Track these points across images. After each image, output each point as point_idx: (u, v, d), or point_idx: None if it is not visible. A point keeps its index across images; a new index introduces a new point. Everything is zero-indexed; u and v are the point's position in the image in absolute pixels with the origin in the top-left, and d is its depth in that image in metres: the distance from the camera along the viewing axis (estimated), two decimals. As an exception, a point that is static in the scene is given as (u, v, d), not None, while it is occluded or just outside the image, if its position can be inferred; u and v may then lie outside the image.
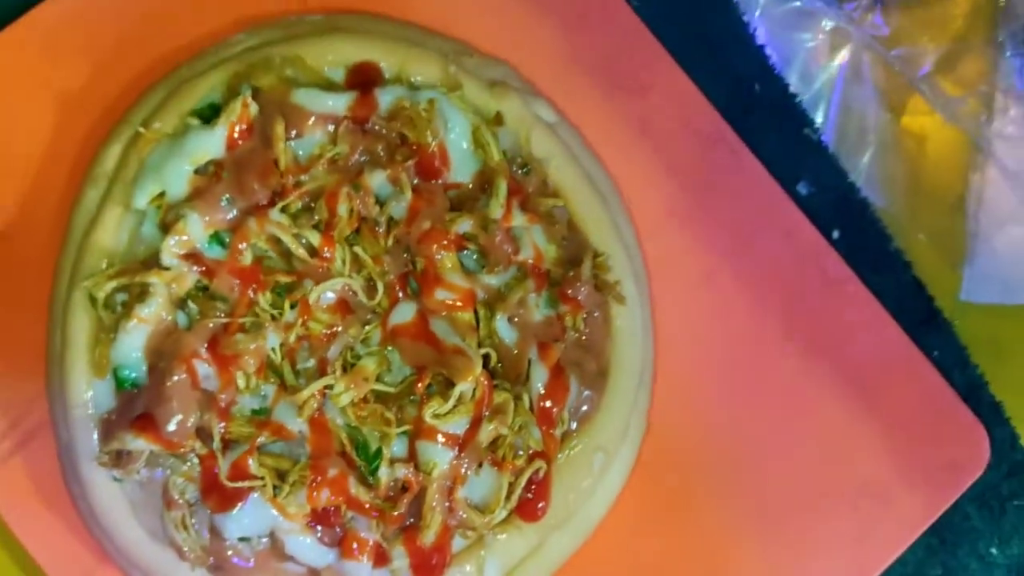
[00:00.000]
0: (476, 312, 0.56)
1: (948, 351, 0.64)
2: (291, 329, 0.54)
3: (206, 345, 0.54)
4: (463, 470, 0.54)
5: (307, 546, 0.53)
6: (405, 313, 0.56)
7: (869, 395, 0.60)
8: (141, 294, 0.53)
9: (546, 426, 0.55)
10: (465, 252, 0.57)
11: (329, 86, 0.57)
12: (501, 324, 0.56)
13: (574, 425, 0.57)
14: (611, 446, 0.57)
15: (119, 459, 0.52)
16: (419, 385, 0.54)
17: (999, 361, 0.64)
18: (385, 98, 0.57)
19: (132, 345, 0.53)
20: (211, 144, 0.55)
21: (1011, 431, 0.64)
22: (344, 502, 0.53)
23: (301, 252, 0.55)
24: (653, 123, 0.62)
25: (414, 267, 0.56)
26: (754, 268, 0.61)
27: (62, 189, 0.58)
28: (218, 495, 0.53)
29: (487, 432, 0.54)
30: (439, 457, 0.53)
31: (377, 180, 0.56)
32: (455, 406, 0.54)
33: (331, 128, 0.56)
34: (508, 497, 0.54)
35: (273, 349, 0.54)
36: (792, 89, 0.65)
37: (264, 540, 0.54)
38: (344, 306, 0.55)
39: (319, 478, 0.53)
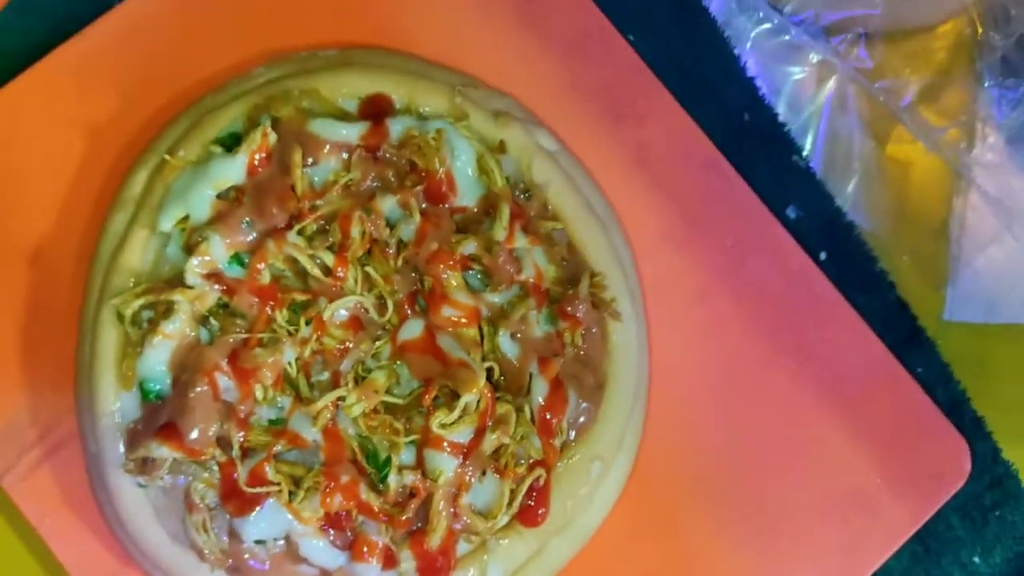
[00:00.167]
0: (480, 328, 0.57)
1: (932, 368, 0.64)
2: (306, 344, 0.56)
3: (227, 359, 0.55)
4: (467, 477, 0.55)
5: (320, 549, 0.54)
6: (413, 329, 0.57)
7: (855, 409, 0.61)
8: (166, 311, 0.55)
9: (546, 436, 0.56)
10: (470, 272, 0.58)
11: (343, 116, 0.59)
12: (504, 340, 0.57)
13: (573, 435, 0.58)
14: (608, 456, 0.58)
15: (144, 466, 0.54)
16: (426, 397, 0.55)
17: (981, 378, 0.65)
18: (396, 127, 0.58)
19: (157, 359, 0.55)
20: (232, 171, 0.56)
21: (993, 445, 0.64)
22: (355, 507, 0.54)
23: (316, 272, 0.56)
24: (649, 151, 0.62)
25: (422, 286, 0.57)
26: (745, 288, 0.62)
27: (91, 213, 0.59)
28: (237, 500, 0.54)
29: (490, 441, 0.55)
30: (445, 465, 0.55)
31: (388, 204, 0.57)
32: (460, 417, 0.55)
33: (345, 156, 0.58)
34: (510, 503, 0.55)
35: (289, 363, 0.56)
36: (781, 119, 0.66)
37: (279, 543, 0.55)
38: (356, 323, 0.57)
39: (332, 484, 0.54)
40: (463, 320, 0.57)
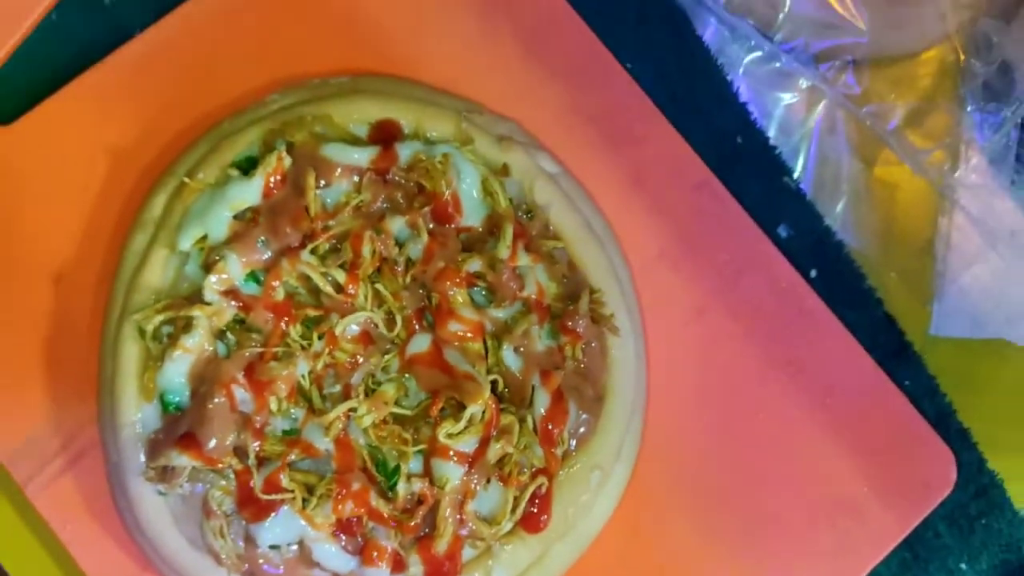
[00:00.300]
0: (485, 342, 0.58)
1: (919, 381, 0.65)
2: (319, 358, 0.56)
3: (243, 372, 0.56)
4: (473, 485, 0.56)
5: (332, 553, 0.55)
6: (421, 343, 0.57)
7: (845, 421, 0.62)
8: (185, 326, 0.56)
9: (548, 446, 0.57)
10: (475, 289, 0.59)
11: (354, 141, 0.59)
12: (507, 353, 0.58)
13: (573, 445, 0.58)
14: (607, 465, 0.58)
15: (164, 474, 0.55)
16: (433, 408, 0.56)
17: (966, 391, 0.66)
18: (404, 152, 0.59)
19: (177, 372, 0.56)
20: (249, 193, 0.57)
21: (978, 456, 0.65)
22: (366, 513, 0.55)
23: (328, 289, 0.57)
24: (645, 173, 0.63)
25: (429, 302, 0.58)
26: (739, 304, 0.63)
27: (112, 234, 0.60)
28: (253, 507, 0.55)
29: (495, 451, 0.56)
30: (451, 473, 0.55)
31: (397, 225, 0.58)
32: (466, 427, 0.55)
33: (356, 178, 0.58)
34: (513, 510, 0.56)
35: (303, 376, 0.57)
36: (772, 142, 0.66)
37: (293, 548, 0.55)
38: (366, 337, 0.57)
39: (343, 492, 0.55)
40: (468, 335, 0.57)
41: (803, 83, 0.68)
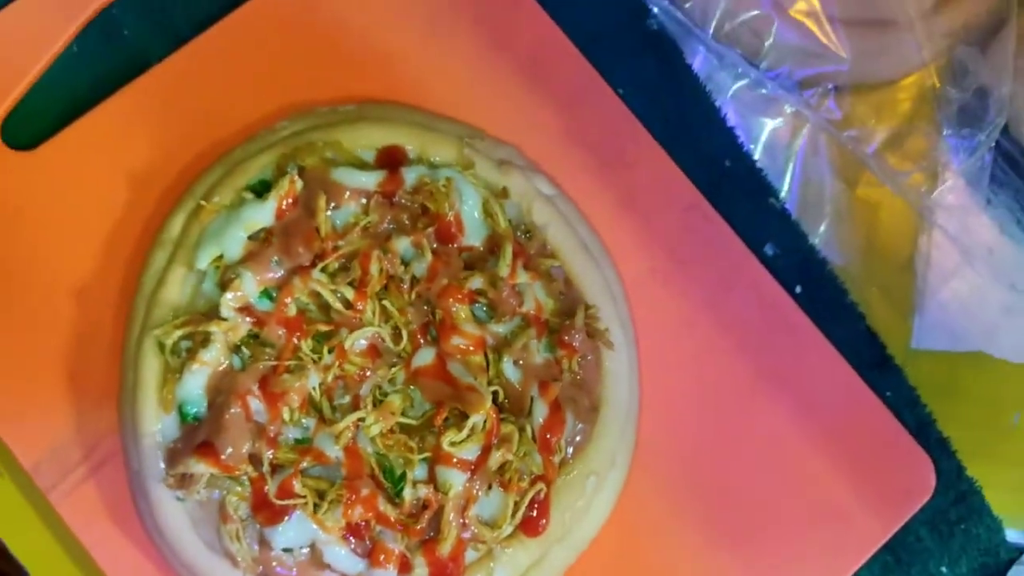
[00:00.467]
0: (486, 355, 0.58)
1: (900, 392, 0.65)
2: (329, 370, 0.57)
3: (257, 384, 0.56)
4: (475, 491, 0.56)
5: (342, 556, 0.56)
6: (426, 357, 0.58)
7: (829, 430, 0.62)
8: (203, 341, 0.56)
9: (546, 453, 0.57)
10: (477, 305, 0.59)
11: (362, 165, 0.60)
12: (507, 366, 0.58)
13: (570, 452, 0.58)
14: (602, 471, 0.59)
15: (183, 481, 0.55)
16: (438, 418, 0.56)
17: (946, 401, 0.66)
18: (409, 175, 0.59)
19: (195, 384, 0.56)
20: (263, 214, 0.58)
21: (957, 463, 0.65)
22: (374, 517, 0.55)
23: (338, 305, 0.57)
24: (638, 194, 0.64)
25: (433, 318, 0.58)
26: (727, 319, 0.63)
27: (133, 253, 0.60)
28: (267, 511, 0.55)
29: (496, 458, 0.56)
30: (455, 480, 0.56)
31: (403, 244, 0.59)
32: (468, 436, 0.56)
33: (364, 201, 0.59)
34: (513, 515, 0.56)
35: (314, 388, 0.57)
36: (759, 164, 0.67)
37: (305, 551, 0.56)
38: (374, 351, 0.58)
39: (353, 497, 0.55)
40: (471, 348, 0.58)
41: (788, 108, 0.69)
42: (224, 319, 0.57)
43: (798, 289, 0.66)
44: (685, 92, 0.67)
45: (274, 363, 0.57)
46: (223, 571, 0.56)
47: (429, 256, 0.59)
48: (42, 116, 0.62)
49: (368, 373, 0.58)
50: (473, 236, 0.60)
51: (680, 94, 0.67)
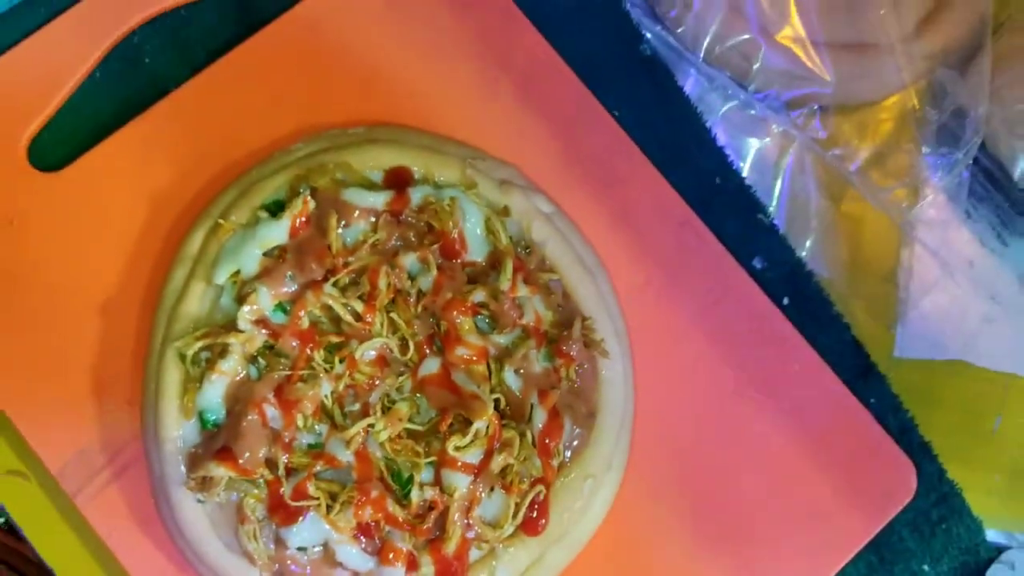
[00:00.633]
0: (488, 365, 0.58)
1: (883, 399, 0.66)
2: (340, 379, 0.57)
3: (273, 393, 0.57)
4: (478, 493, 0.57)
5: (353, 554, 0.56)
6: (431, 366, 0.59)
7: (815, 435, 0.63)
8: (221, 352, 0.57)
9: (545, 457, 0.58)
10: (479, 317, 0.60)
11: (371, 186, 0.60)
12: (509, 375, 0.59)
13: (568, 456, 0.59)
14: (599, 474, 0.59)
15: (203, 484, 0.56)
16: (443, 424, 0.57)
17: (927, 407, 0.67)
18: (415, 195, 0.60)
19: (214, 393, 0.57)
20: (277, 232, 0.58)
21: (939, 467, 0.66)
22: (383, 518, 0.56)
23: (349, 318, 0.58)
24: (632, 211, 0.64)
25: (439, 329, 0.59)
26: (717, 329, 0.63)
27: (153, 269, 0.61)
28: (282, 512, 0.56)
29: (498, 462, 0.57)
30: (459, 482, 0.56)
31: (409, 260, 0.59)
32: (472, 441, 0.56)
33: (373, 219, 0.60)
34: (515, 515, 0.57)
35: (326, 396, 0.57)
36: (748, 182, 0.68)
37: (318, 550, 0.56)
38: (383, 361, 0.59)
39: (363, 499, 0.56)
40: (474, 358, 0.58)
41: (775, 128, 0.70)
42: (241, 331, 0.57)
43: (786, 301, 0.66)
44: (677, 113, 0.68)
45: (288, 373, 0.57)
46: (241, 570, 0.57)
47: (434, 271, 0.59)
48: (67, 139, 0.63)
49: (377, 382, 0.59)
50: (476, 252, 0.61)
51: (672, 115, 0.68)
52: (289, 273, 0.58)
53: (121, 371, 0.60)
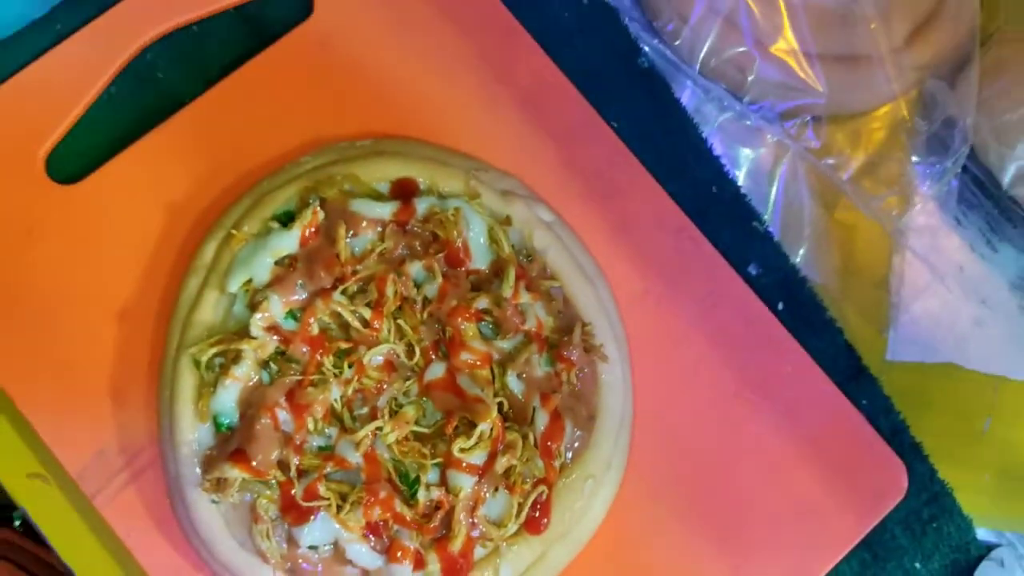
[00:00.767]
0: (492, 369, 0.59)
1: (875, 401, 0.67)
2: (349, 384, 0.58)
3: (284, 397, 0.57)
4: (483, 493, 0.57)
5: (362, 552, 0.57)
6: (437, 371, 0.59)
7: (808, 436, 0.64)
8: (235, 358, 0.58)
9: (547, 458, 0.58)
10: (483, 323, 0.60)
11: (378, 197, 0.61)
12: (511, 379, 0.59)
13: (569, 457, 0.60)
14: (599, 475, 0.60)
15: (218, 485, 0.56)
16: (448, 427, 0.58)
17: (919, 409, 0.68)
18: (421, 206, 0.61)
19: (228, 397, 0.58)
20: (288, 242, 0.59)
21: (930, 467, 0.67)
22: (391, 517, 0.57)
23: (357, 324, 0.58)
24: (630, 220, 0.65)
25: (444, 335, 0.60)
26: (714, 334, 0.64)
27: (168, 278, 0.62)
28: (294, 512, 0.57)
29: (501, 463, 0.57)
30: (464, 483, 0.57)
31: (415, 268, 0.60)
32: (476, 443, 0.57)
33: (380, 229, 0.60)
34: (518, 515, 0.58)
35: (336, 400, 0.58)
36: (743, 190, 0.68)
37: (328, 548, 0.57)
38: (390, 366, 0.59)
39: (372, 499, 0.56)
40: (478, 363, 0.59)
41: (770, 138, 0.71)
42: (254, 338, 0.58)
43: (780, 306, 0.67)
44: (674, 124, 0.68)
45: (299, 378, 0.58)
46: (255, 568, 0.57)
47: (439, 279, 0.60)
48: (84, 152, 0.63)
49: (385, 386, 0.59)
50: (479, 260, 0.61)
51: (670, 126, 0.68)
52: (299, 281, 0.59)
53: (138, 377, 0.61)
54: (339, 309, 0.59)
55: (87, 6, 0.64)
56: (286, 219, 0.61)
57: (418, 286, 0.61)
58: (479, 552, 0.58)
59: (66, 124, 0.63)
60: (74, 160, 0.63)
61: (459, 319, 0.60)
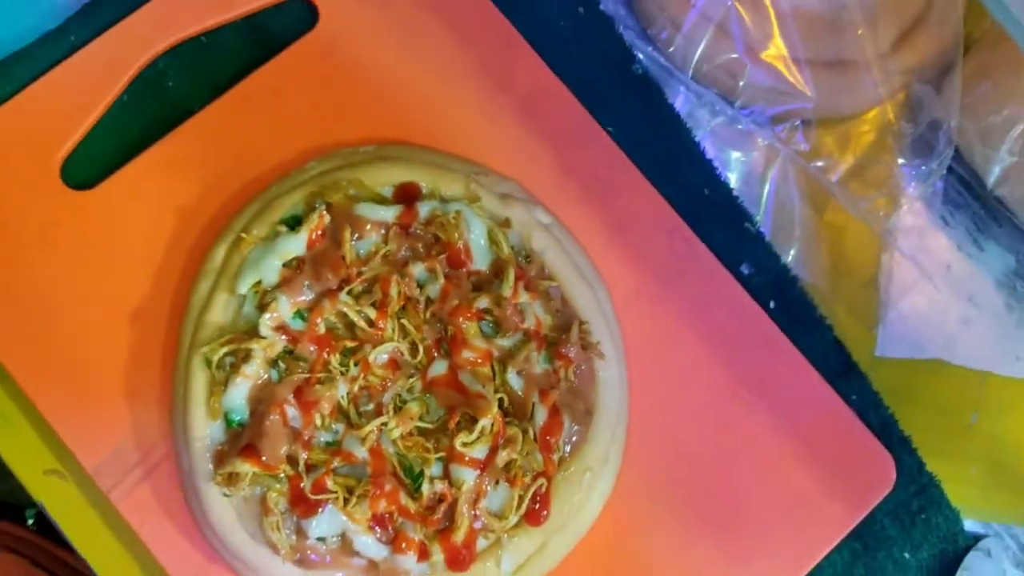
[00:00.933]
0: (492, 367, 0.60)
1: (865, 396, 0.67)
2: (355, 381, 0.59)
3: (293, 394, 0.58)
4: (485, 486, 0.58)
5: (369, 544, 0.58)
6: (439, 368, 0.60)
7: (799, 430, 0.64)
8: (245, 357, 0.58)
9: (546, 452, 0.59)
10: (484, 322, 0.61)
11: (382, 201, 0.61)
12: (511, 375, 0.60)
13: (568, 451, 0.60)
14: (596, 468, 0.60)
15: (229, 479, 0.57)
16: (451, 422, 0.58)
17: (907, 404, 0.68)
18: (423, 209, 0.61)
19: (238, 395, 0.58)
20: (295, 245, 0.60)
21: (918, 459, 0.67)
22: (396, 510, 0.58)
23: (362, 324, 0.59)
24: (625, 222, 0.66)
25: (446, 334, 0.60)
26: (707, 332, 0.65)
27: (179, 280, 0.62)
28: (303, 505, 0.57)
29: (502, 457, 0.58)
30: (466, 476, 0.58)
31: (418, 269, 0.60)
32: (478, 437, 0.58)
33: (384, 232, 0.61)
34: (519, 507, 0.58)
35: (342, 396, 0.59)
36: (735, 192, 0.69)
37: (336, 539, 0.58)
38: (394, 364, 0.60)
39: (378, 492, 0.57)
40: (479, 360, 0.60)
41: (761, 142, 0.71)
42: (263, 337, 0.58)
43: (772, 304, 0.67)
44: (668, 129, 0.69)
45: (307, 375, 0.59)
46: (265, 558, 0.58)
47: (441, 280, 0.60)
48: (98, 159, 0.64)
49: (389, 383, 0.60)
50: (480, 261, 0.62)
51: (663, 131, 0.69)
52: (306, 283, 0.60)
53: (151, 376, 0.61)
54: (345, 309, 0.59)
55: (99, 18, 0.66)
56: (293, 223, 0.61)
57: (421, 286, 0.61)
58: (481, 543, 0.59)
59: (80, 132, 0.64)
60: (88, 167, 0.64)
61: (460, 318, 0.60)
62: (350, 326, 0.60)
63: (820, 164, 0.71)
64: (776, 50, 0.69)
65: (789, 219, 0.71)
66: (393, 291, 0.60)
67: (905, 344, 0.71)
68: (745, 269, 0.68)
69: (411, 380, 0.60)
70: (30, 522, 0.67)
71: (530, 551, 0.60)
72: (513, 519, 0.59)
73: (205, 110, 0.65)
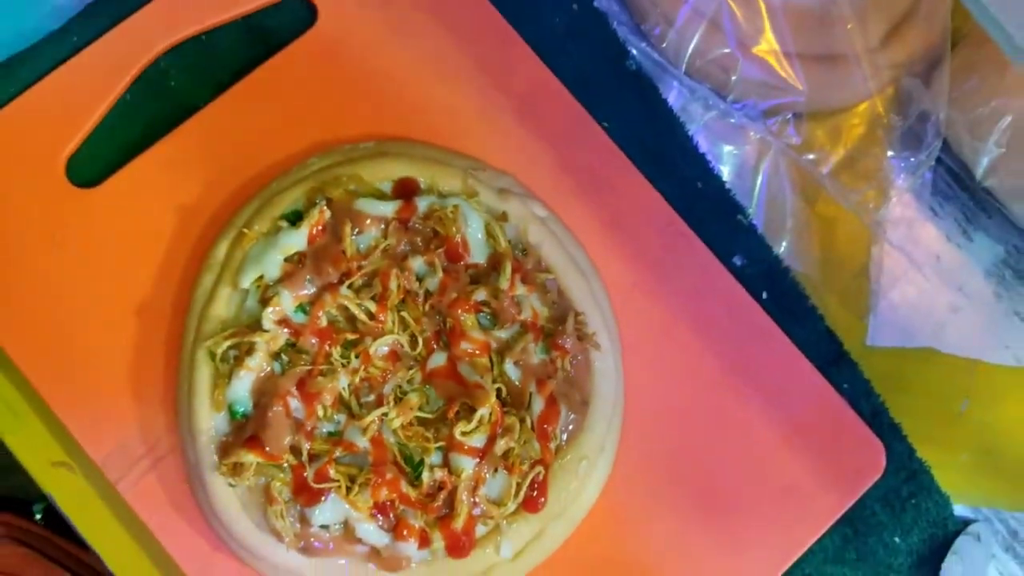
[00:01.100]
0: (490, 358, 0.60)
1: (856, 385, 0.68)
2: (356, 373, 0.59)
3: (295, 386, 0.58)
4: (483, 474, 0.58)
5: (371, 531, 0.58)
6: (439, 360, 0.60)
7: (791, 418, 0.65)
8: (248, 350, 0.58)
9: (544, 441, 0.59)
10: (481, 314, 0.61)
11: (381, 196, 0.62)
12: (509, 366, 0.60)
13: (564, 439, 0.61)
14: (593, 456, 0.61)
15: (234, 470, 0.58)
16: (450, 412, 0.59)
17: (898, 392, 0.69)
18: (422, 204, 0.61)
19: (242, 387, 0.59)
20: (297, 240, 0.60)
21: (908, 446, 0.68)
22: (397, 498, 0.58)
23: (363, 317, 0.59)
24: (620, 215, 0.66)
25: (444, 326, 0.61)
26: (701, 323, 0.65)
27: (183, 275, 0.63)
28: (306, 494, 0.58)
29: (500, 445, 0.58)
30: (466, 464, 0.58)
31: (417, 263, 0.61)
32: (477, 426, 0.58)
33: (383, 226, 0.61)
34: (517, 494, 0.59)
35: (344, 388, 0.59)
36: (728, 185, 0.70)
37: (339, 527, 0.58)
38: (394, 355, 0.60)
39: (379, 480, 0.58)
40: (477, 352, 0.60)
41: (753, 135, 0.72)
42: (266, 331, 0.59)
43: (764, 295, 0.68)
44: (662, 123, 0.70)
45: (309, 368, 0.59)
46: (270, 546, 0.59)
47: (440, 273, 0.61)
48: (102, 157, 0.64)
49: (389, 375, 0.60)
50: (477, 255, 0.62)
51: (657, 126, 0.69)
52: (308, 277, 0.60)
53: (156, 369, 0.62)
54: (346, 302, 0.60)
55: (101, 19, 0.66)
56: (294, 218, 0.62)
57: (420, 280, 0.61)
58: (480, 530, 0.60)
59: (85, 131, 0.65)
60: (93, 165, 0.65)
61: (459, 310, 0.61)
62: (351, 319, 0.60)
63: (811, 157, 0.71)
64: (767, 45, 0.69)
65: (781, 211, 0.71)
66: (393, 284, 0.60)
67: (896, 333, 0.71)
68: (738, 260, 0.69)
69: (411, 371, 0.61)
70: (38, 516, 0.68)
71: (528, 537, 0.61)
72: (511, 506, 0.59)
73: (207, 108, 0.65)
